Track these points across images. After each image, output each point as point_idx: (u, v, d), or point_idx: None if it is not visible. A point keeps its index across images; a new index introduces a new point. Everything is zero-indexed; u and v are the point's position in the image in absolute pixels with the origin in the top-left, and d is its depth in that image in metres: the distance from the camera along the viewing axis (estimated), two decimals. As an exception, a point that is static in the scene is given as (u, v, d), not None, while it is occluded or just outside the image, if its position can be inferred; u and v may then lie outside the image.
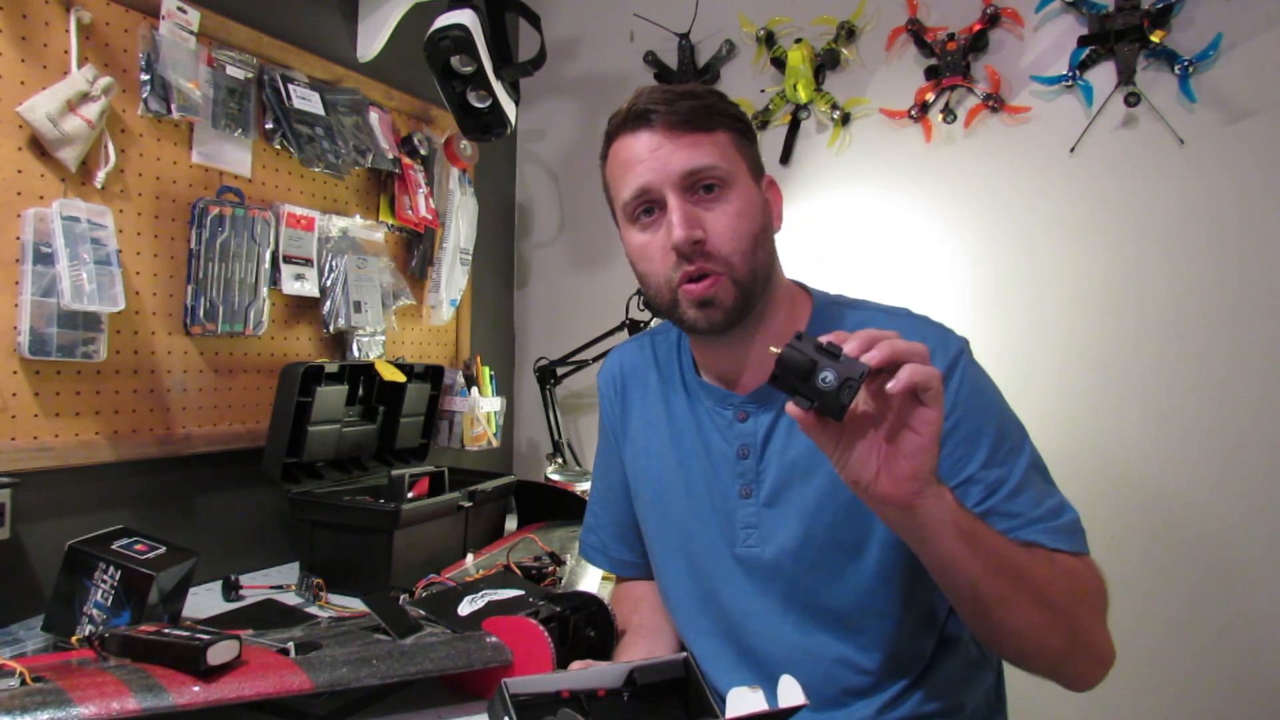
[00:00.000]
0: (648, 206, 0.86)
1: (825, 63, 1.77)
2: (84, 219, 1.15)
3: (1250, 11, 1.42)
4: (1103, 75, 1.53)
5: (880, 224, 1.74)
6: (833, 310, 0.93)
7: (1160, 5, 1.46)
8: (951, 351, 0.85)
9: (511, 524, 1.70)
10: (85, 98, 1.15)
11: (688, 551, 0.96)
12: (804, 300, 0.95)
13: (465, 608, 1.02)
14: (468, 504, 1.46)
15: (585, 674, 0.78)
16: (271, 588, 1.33)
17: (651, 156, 0.84)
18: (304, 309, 1.55)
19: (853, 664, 0.88)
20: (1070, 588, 0.76)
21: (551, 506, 1.69)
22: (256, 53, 1.43)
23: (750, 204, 0.87)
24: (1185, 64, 1.44)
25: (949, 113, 1.66)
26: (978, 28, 1.61)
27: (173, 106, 1.27)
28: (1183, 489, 1.48)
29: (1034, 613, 0.74)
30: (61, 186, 1.16)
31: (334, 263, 1.55)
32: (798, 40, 1.77)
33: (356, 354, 1.61)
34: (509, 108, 1.60)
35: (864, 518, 0.84)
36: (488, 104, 1.57)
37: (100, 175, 1.20)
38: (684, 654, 0.78)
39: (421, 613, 0.99)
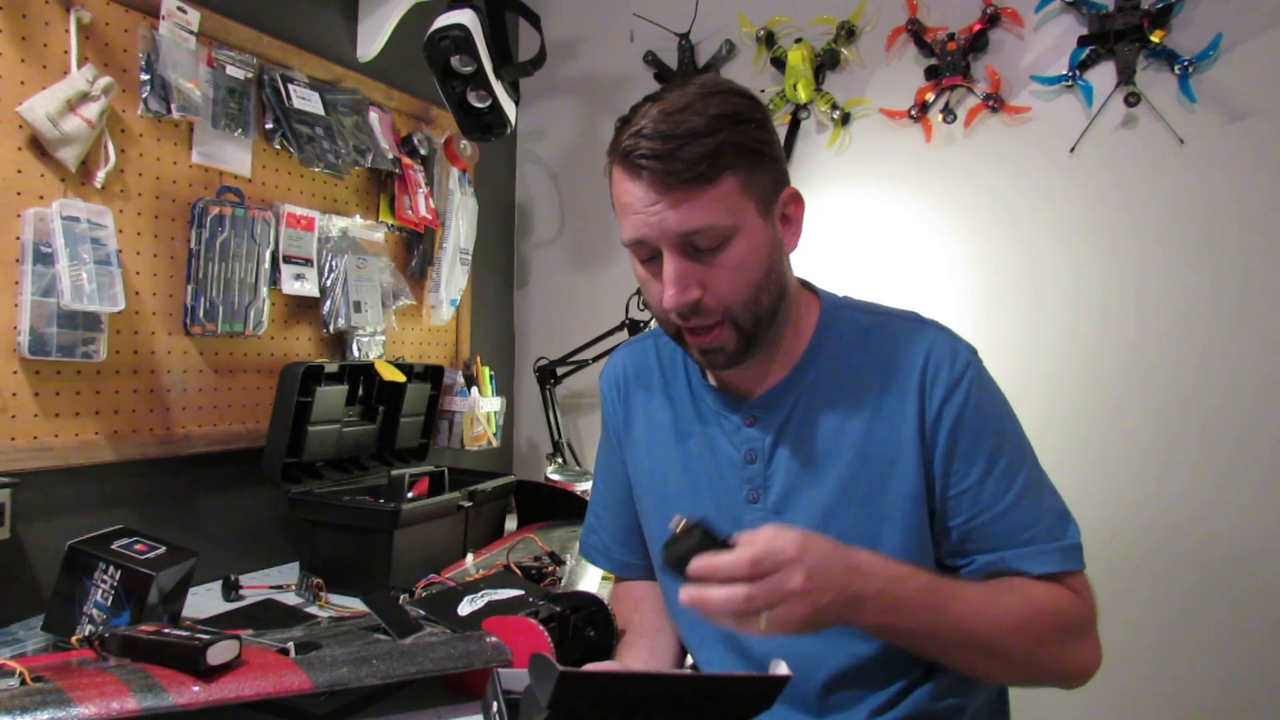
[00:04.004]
0: (647, 254, 0.83)
1: (825, 63, 1.77)
2: (84, 219, 1.15)
3: (1250, 11, 1.42)
4: (1103, 75, 1.52)
5: (880, 224, 1.74)
6: (841, 314, 0.92)
7: (1160, 5, 1.46)
8: (960, 363, 0.85)
9: (511, 524, 1.70)
10: (85, 98, 1.15)
11: (691, 556, 0.96)
12: (812, 303, 0.94)
13: (465, 608, 1.02)
14: (468, 504, 1.46)
15: None
16: (271, 588, 1.33)
17: (646, 211, 0.79)
18: (304, 309, 1.55)
19: (856, 668, 0.87)
20: (1028, 635, 0.79)
21: (551, 506, 1.69)
22: (256, 53, 1.43)
23: (754, 249, 0.81)
24: (1185, 64, 1.44)
25: (949, 113, 1.66)
26: (978, 28, 1.61)
27: (173, 106, 1.27)
28: (1182, 488, 1.48)
29: (986, 663, 0.80)
30: (61, 186, 1.16)
31: (334, 263, 1.55)
32: (798, 40, 1.77)
33: (356, 354, 1.61)
34: (509, 108, 1.60)
35: (870, 524, 0.84)
36: (488, 104, 1.57)
37: (100, 175, 1.20)
38: (688, 666, 0.77)
39: (421, 613, 0.99)
